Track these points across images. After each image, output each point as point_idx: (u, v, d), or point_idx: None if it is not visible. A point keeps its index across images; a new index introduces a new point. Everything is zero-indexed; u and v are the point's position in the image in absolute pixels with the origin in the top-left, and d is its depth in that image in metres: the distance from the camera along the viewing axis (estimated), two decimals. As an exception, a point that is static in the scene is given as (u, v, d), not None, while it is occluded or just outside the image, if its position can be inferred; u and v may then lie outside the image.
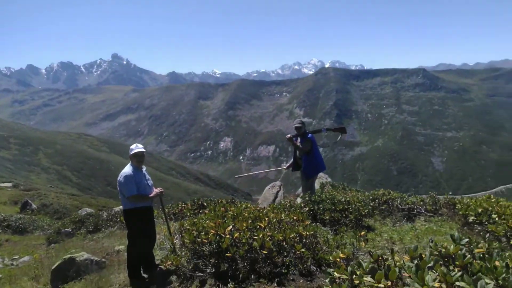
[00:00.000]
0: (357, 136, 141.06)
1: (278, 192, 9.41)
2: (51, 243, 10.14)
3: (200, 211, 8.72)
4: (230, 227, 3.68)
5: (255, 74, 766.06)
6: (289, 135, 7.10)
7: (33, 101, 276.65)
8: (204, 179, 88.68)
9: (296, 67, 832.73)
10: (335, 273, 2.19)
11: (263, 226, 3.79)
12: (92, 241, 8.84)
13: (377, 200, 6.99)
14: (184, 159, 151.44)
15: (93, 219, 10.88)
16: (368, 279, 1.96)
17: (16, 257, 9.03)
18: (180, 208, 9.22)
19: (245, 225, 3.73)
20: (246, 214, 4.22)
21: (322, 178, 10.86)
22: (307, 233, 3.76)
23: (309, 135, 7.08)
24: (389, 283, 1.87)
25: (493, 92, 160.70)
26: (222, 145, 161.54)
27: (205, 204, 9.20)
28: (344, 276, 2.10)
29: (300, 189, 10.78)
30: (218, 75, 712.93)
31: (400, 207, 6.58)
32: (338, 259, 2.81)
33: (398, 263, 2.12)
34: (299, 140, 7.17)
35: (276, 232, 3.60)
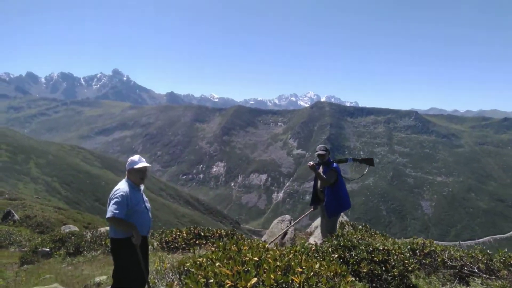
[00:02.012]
0: (349, 173, 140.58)
1: (288, 227, 8.37)
2: (24, 263, 9.07)
3: (196, 241, 7.96)
4: (254, 279, 2.77)
5: (252, 102, 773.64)
6: (311, 162, 6.13)
7: (30, 109, 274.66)
8: (194, 203, 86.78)
9: (293, 98, 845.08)
10: None
11: (298, 282, 2.87)
12: (71, 265, 7.94)
13: (417, 251, 5.89)
14: (176, 181, 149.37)
15: (75, 239, 9.92)
16: None
17: (-19, 278, 8.01)
18: (174, 236, 8.22)
19: (273, 277, 2.82)
20: (271, 261, 3.22)
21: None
22: (356, 297, 2.91)
23: (334, 164, 6.14)
24: None
25: (482, 140, 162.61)
26: (214, 169, 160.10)
27: (202, 233, 8.37)
28: None
29: (312, 226, 9.64)
30: (216, 100, 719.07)
31: (449, 263, 5.50)
32: None
33: None
34: (321, 169, 6.23)
35: (317, 292, 2.80)
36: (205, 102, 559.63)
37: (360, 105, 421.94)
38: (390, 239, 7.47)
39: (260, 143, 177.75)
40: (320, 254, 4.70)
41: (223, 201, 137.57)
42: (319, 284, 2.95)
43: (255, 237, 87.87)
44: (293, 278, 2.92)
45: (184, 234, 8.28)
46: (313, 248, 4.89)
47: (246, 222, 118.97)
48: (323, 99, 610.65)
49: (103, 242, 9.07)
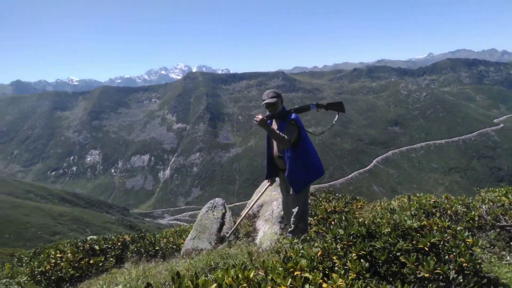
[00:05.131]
0: (231, 138, 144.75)
1: (224, 215, 6.31)
2: None
3: (90, 261, 5.66)
4: None
5: (119, 80, 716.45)
6: (260, 116, 4.25)
7: None
8: (72, 199, 77.71)
9: (163, 72, 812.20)
10: None
11: None
12: None
13: (442, 211, 4.16)
14: (44, 179, 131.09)
15: None
16: None
17: None
18: (54, 261, 5.54)
19: None
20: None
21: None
22: None
23: (293, 115, 4.39)
24: None
25: (339, 90, 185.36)
26: (89, 159, 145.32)
27: (96, 247, 6.11)
28: None
29: (252, 204, 6.63)
30: (75, 83, 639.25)
31: (495, 223, 3.82)
32: None
33: None
34: (275, 124, 4.49)
35: None
36: (63, 87, 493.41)
37: (231, 72, 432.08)
38: (385, 202, 5.59)
39: (136, 123, 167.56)
40: (328, 256, 2.89)
41: (106, 191, 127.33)
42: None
43: (147, 219, 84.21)
44: None
45: (69, 254, 5.75)
46: (319, 253, 2.90)
47: (135, 206, 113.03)
48: (194, 70, 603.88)
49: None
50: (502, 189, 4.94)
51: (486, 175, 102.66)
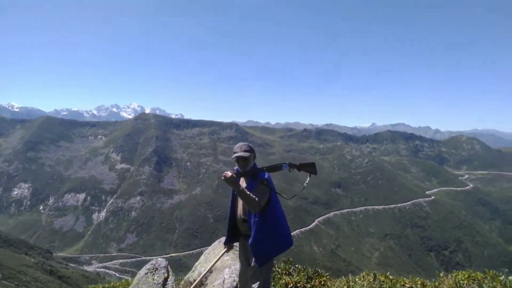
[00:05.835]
0: (176, 184, 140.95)
1: (166, 280, 5.46)
2: None
3: None
4: None
5: (65, 113, 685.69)
6: (229, 172, 3.68)
7: None
8: (-15, 236, 69.21)
9: (114, 109, 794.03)
10: None
11: None
12: None
13: None
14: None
15: None
16: None
17: None
18: None
19: None
20: None
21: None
22: None
23: (266, 174, 4.01)
24: None
25: (289, 148, 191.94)
26: (16, 192, 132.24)
27: None
28: None
29: (196, 268, 6.19)
30: (16, 109, 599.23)
31: None
32: None
33: None
34: (243, 182, 4.01)
35: None
36: (0, 113, 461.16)
37: (185, 117, 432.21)
38: (351, 280, 5.43)
39: (77, 159, 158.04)
40: None
41: (30, 229, 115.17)
42: None
43: (72, 265, 76.74)
44: None
45: None
46: None
47: (60, 249, 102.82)
48: (147, 111, 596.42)
49: None
50: (464, 272, 4.91)
51: (418, 244, 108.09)
